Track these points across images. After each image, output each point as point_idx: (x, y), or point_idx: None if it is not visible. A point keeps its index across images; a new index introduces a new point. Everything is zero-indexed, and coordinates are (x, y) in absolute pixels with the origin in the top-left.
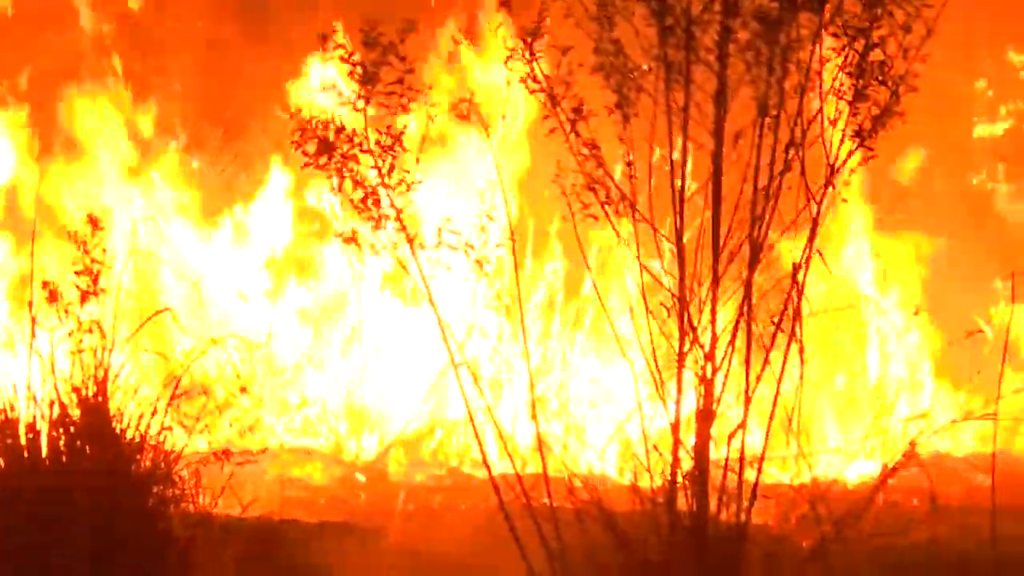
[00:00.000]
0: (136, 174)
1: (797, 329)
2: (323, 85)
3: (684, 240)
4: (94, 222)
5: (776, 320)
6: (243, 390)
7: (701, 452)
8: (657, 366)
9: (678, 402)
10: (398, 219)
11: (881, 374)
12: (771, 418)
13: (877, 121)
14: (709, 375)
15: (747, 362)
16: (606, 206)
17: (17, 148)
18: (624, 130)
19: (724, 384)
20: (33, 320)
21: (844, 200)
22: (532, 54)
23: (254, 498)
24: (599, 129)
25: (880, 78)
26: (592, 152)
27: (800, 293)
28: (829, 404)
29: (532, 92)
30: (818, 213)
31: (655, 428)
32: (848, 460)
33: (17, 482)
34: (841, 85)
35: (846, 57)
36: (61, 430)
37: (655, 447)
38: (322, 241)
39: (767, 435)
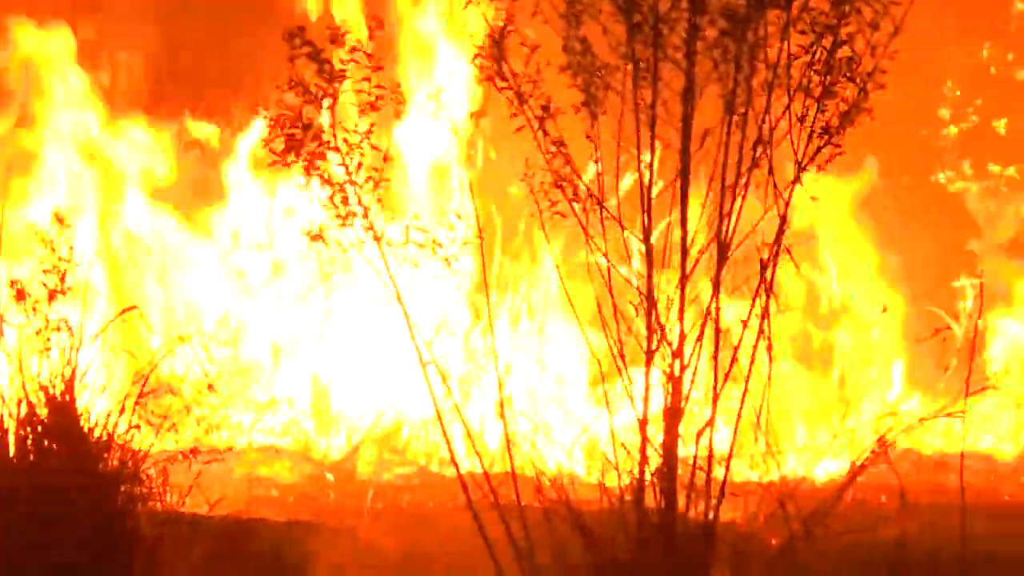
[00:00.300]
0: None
1: (765, 327)
2: (290, 83)
3: (652, 238)
4: (60, 220)
5: (744, 318)
6: (210, 388)
7: (669, 450)
8: (625, 364)
9: (646, 400)
10: (365, 216)
11: (849, 372)
12: (739, 416)
13: (845, 118)
14: (677, 373)
15: (715, 359)
16: (574, 204)
17: None
18: (592, 128)
19: (692, 382)
20: (0, 318)
21: (813, 198)
22: (500, 52)
23: (221, 497)
24: (567, 127)
25: (848, 75)
26: (560, 150)
27: (768, 291)
28: (798, 402)
29: (500, 90)
30: (786, 211)
31: (623, 426)
32: (817, 458)
33: None
34: (809, 82)
35: (814, 54)
36: (28, 429)
37: (623, 445)
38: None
39: (735, 433)
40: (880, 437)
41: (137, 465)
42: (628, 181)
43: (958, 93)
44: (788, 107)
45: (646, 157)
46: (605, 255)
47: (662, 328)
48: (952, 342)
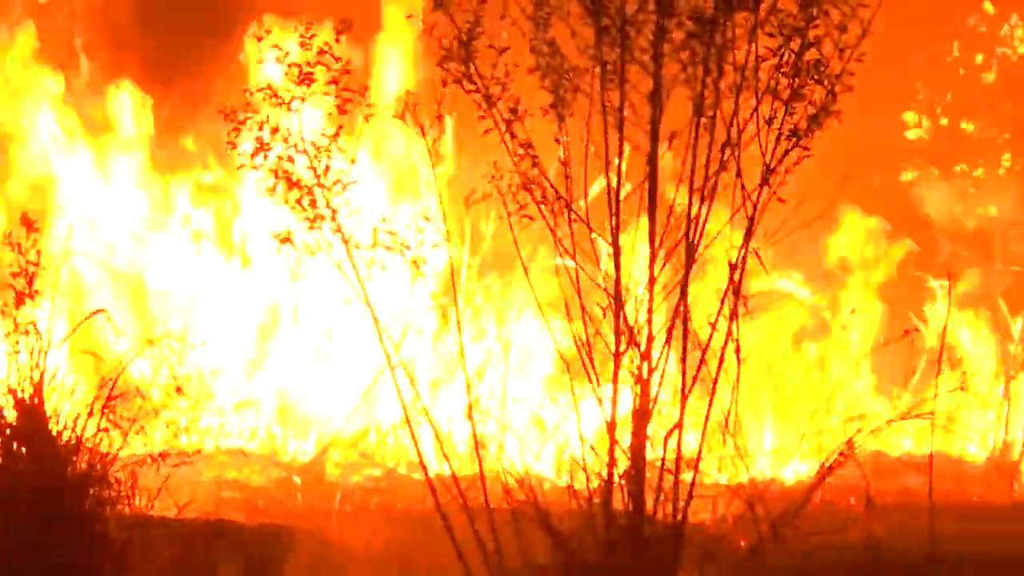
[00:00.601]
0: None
1: (734, 329)
2: (258, 86)
3: (620, 240)
4: (28, 224)
5: (712, 320)
6: (179, 391)
7: (637, 452)
8: (593, 366)
9: (614, 402)
10: (333, 219)
11: (818, 374)
12: (707, 418)
13: (813, 120)
14: (645, 375)
15: (683, 362)
16: (541, 206)
17: None
18: (560, 130)
19: (660, 384)
20: None
21: (781, 200)
22: (468, 55)
23: (190, 500)
24: (535, 130)
25: (816, 77)
26: (528, 152)
27: (737, 293)
28: (766, 404)
29: (468, 93)
30: (754, 213)
31: (592, 428)
32: (785, 460)
33: None
34: (777, 85)
35: (782, 57)
36: None
37: (591, 447)
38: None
39: (703, 435)
40: (848, 439)
41: (106, 468)
42: (596, 183)
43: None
44: (756, 110)
45: (614, 159)
46: (573, 257)
47: (630, 330)
48: (921, 344)
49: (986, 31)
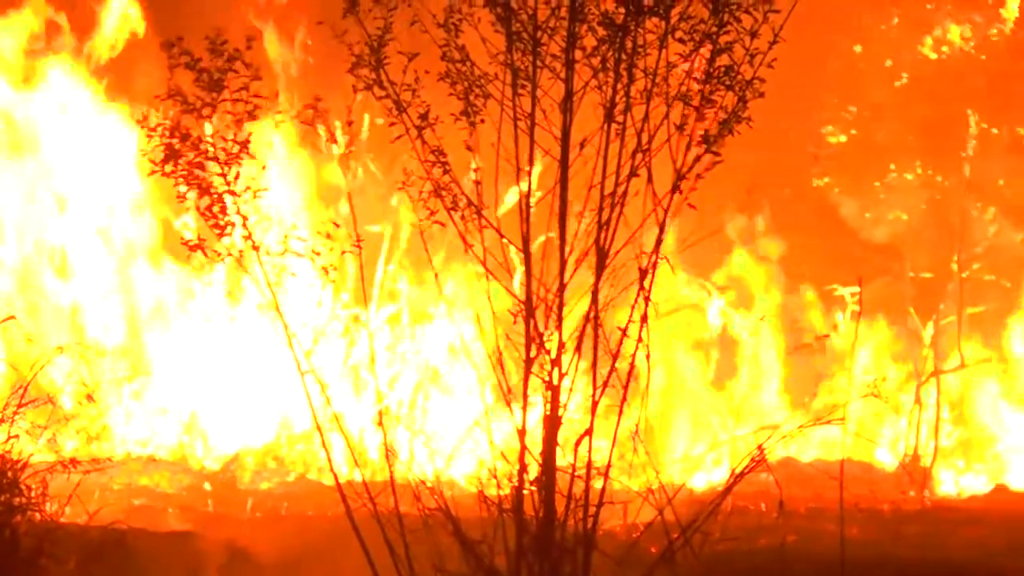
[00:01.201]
0: None
1: (644, 335)
2: (169, 92)
3: (531, 246)
4: None
5: (623, 326)
6: (89, 398)
7: (548, 459)
8: (504, 372)
9: (524, 408)
10: (244, 226)
11: (728, 381)
12: (617, 425)
13: (724, 126)
14: (556, 381)
15: (594, 367)
16: (452, 212)
17: None
18: (471, 137)
19: (571, 390)
20: None
21: (692, 207)
22: (379, 61)
23: (101, 507)
24: (447, 136)
25: (727, 83)
26: (438, 159)
27: (647, 299)
28: (677, 411)
29: (379, 99)
30: (665, 219)
31: (503, 435)
32: (696, 467)
33: None
34: (688, 90)
35: (693, 63)
36: None
37: (502, 454)
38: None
39: (614, 442)
40: (759, 445)
41: (16, 475)
42: (508, 190)
43: (835, 102)
44: (667, 115)
45: (526, 166)
46: (483, 264)
47: (540, 336)
48: (831, 350)
49: (896, 37)
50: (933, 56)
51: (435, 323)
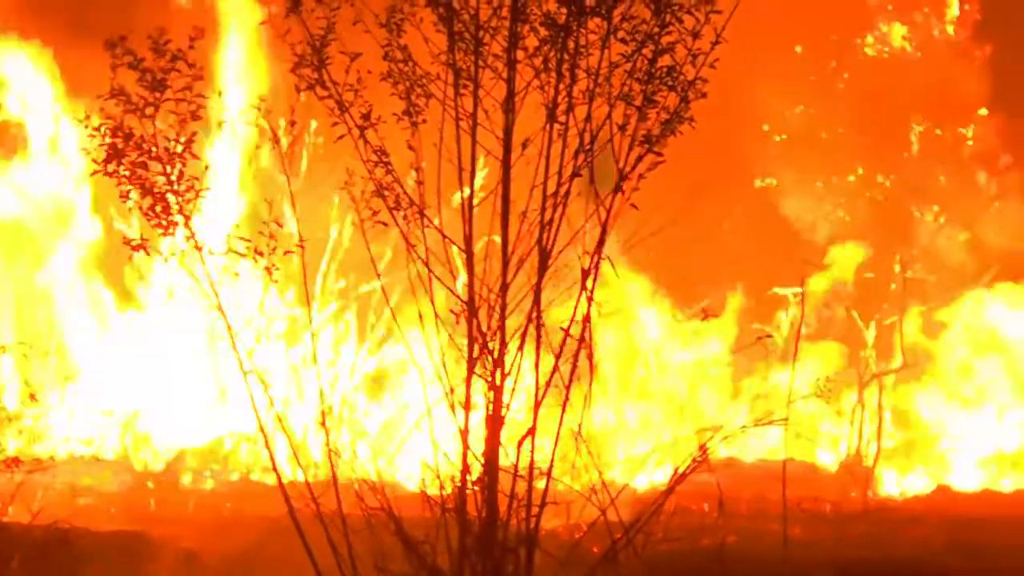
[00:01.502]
0: None
1: (586, 335)
2: (112, 91)
3: (474, 246)
4: None
5: (565, 326)
6: (32, 398)
7: (491, 459)
8: (446, 372)
9: (467, 408)
10: (186, 226)
11: (673, 381)
12: (560, 424)
13: (666, 126)
14: (498, 381)
15: (536, 368)
16: (395, 212)
17: None
18: (413, 137)
19: (514, 390)
20: None
21: (634, 207)
22: (321, 61)
23: (44, 506)
24: (389, 136)
25: (669, 84)
26: (381, 159)
27: (590, 299)
28: (620, 412)
29: (321, 99)
30: (607, 219)
31: (446, 435)
32: (638, 467)
33: None
34: (630, 91)
35: (635, 63)
36: None
37: (444, 454)
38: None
39: (556, 442)
40: (701, 445)
41: None
42: (451, 191)
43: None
44: (609, 115)
45: (468, 166)
46: (426, 263)
47: (483, 336)
48: (774, 350)
49: (838, 39)
50: (872, 54)
51: (378, 324)
